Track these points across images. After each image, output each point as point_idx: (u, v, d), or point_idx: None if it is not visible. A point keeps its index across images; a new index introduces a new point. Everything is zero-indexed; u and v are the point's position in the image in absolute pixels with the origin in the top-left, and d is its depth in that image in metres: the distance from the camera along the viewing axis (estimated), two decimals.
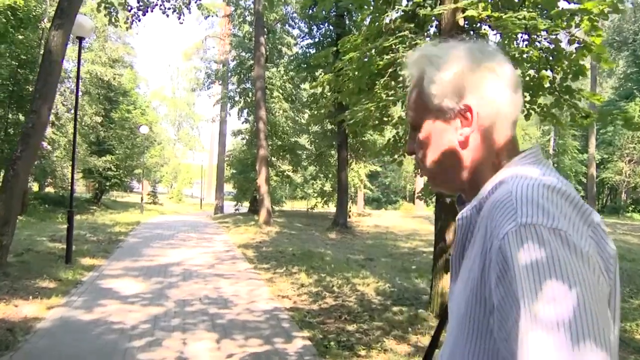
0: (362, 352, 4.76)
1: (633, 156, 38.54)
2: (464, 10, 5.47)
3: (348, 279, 8.25)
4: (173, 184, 59.31)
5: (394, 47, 5.22)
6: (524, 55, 5.38)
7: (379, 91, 5.77)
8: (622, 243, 16.70)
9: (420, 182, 39.41)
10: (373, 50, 5.75)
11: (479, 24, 5.78)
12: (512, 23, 4.66)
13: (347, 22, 17.40)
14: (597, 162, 36.50)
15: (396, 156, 6.54)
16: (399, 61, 5.58)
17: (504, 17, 4.79)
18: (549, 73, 5.29)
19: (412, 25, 5.39)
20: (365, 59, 5.67)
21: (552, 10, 4.60)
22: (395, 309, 6.49)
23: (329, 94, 18.45)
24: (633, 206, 43.46)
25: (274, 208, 21.99)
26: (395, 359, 4.58)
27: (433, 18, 5.64)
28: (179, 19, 12.57)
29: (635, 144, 37.89)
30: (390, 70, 5.41)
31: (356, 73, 5.75)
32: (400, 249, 13.96)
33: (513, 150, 0.90)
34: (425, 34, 5.66)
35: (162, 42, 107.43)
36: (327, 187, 23.79)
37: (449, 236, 6.22)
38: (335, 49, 7.58)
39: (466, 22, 5.94)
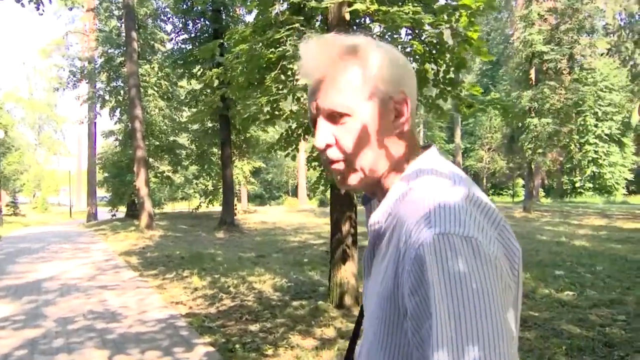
0: (269, 352, 4.65)
1: (491, 145, 42.54)
2: (349, 4, 5.55)
3: (243, 278, 8.07)
4: (36, 192, 54.03)
5: (284, 39, 5.14)
6: (408, 49, 5.59)
7: (269, 85, 5.65)
8: None
9: (300, 179, 40.17)
10: (261, 44, 5.63)
11: (364, 18, 5.91)
12: (399, 17, 4.81)
13: (225, 17, 16.99)
14: (462, 151, 39.73)
15: (290, 150, 6.48)
16: (288, 54, 5.52)
17: (390, 11, 4.93)
18: (432, 66, 5.56)
19: (301, 17, 5.34)
20: (255, 52, 5.53)
21: (433, 4, 4.82)
22: (295, 303, 6.46)
23: (210, 90, 17.89)
24: (492, 190, 48.35)
25: (155, 211, 20.92)
26: (303, 355, 4.53)
27: (319, 11, 5.65)
28: (38, 9, 11.32)
29: (493, 133, 41.94)
30: (282, 63, 5.32)
31: (246, 66, 5.58)
32: (290, 244, 13.99)
33: (416, 146, 0.91)
34: (313, 27, 5.65)
35: (13, 39, 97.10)
36: (211, 186, 23.15)
37: (345, 227, 6.32)
38: (221, 41, 7.32)
39: (351, 17, 6.05)
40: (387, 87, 0.86)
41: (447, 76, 5.51)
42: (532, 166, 25.08)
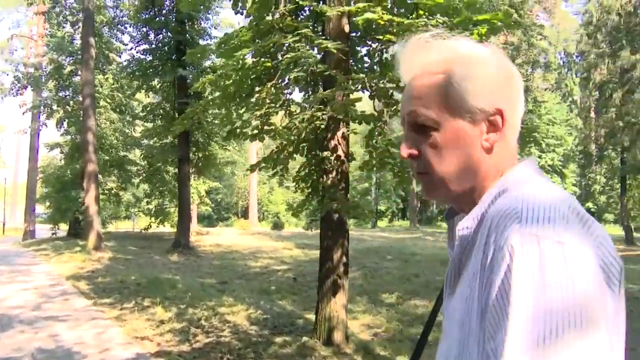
0: None
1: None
2: (354, 13, 5.13)
3: (213, 309, 7.33)
4: None
5: (292, 45, 4.63)
6: None
7: (264, 97, 5.11)
8: (447, 251, 18.23)
9: (252, 200, 39.13)
10: (255, 51, 5.10)
11: (368, 32, 5.50)
12: (417, 29, 4.40)
13: (189, 29, 16.29)
14: None
15: (278, 168, 5.91)
16: (284, 62, 5.01)
17: (405, 22, 4.54)
18: None
19: (308, 23, 4.87)
20: (251, 59, 4.99)
21: (456, 19, 4.46)
22: (278, 339, 5.83)
23: (169, 104, 17.10)
24: (441, 216, 49.22)
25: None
26: None
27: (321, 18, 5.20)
28: None
29: None
30: (286, 69, 4.80)
31: (239, 75, 5.02)
32: (252, 269, 13.27)
33: (512, 157, 0.87)
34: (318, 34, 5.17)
35: None
36: (164, 205, 21.96)
37: (337, 255, 5.80)
38: (207, 48, 6.71)
39: (356, 31, 5.65)
40: (477, 101, 0.83)
41: None
42: None
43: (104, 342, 5.79)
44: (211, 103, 5.64)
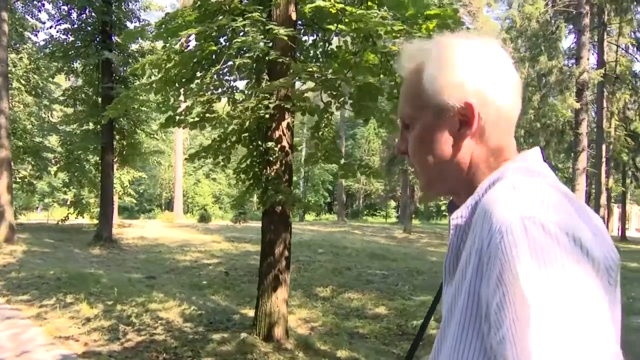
0: None
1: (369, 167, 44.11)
2: (299, 1, 5.00)
3: (144, 305, 6.95)
4: None
5: (242, 28, 4.40)
6: (363, 60, 5.16)
7: (207, 82, 4.86)
8: (375, 244, 18.63)
9: (177, 191, 37.92)
10: (200, 34, 4.83)
11: (316, 21, 5.38)
12: (370, 21, 4.34)
13: (115, 10, 15.34)
14: None
15: (220, 159, 5.65)
16: (234, 47, 4.78)
17: (357, 12, 4.46)
18: (387, 79, 5.17)
19: (259, 7, 4.66)
20: (193, 43, 4.72)
21: (407, 12, 4.44)
22: (215, 336, 5.62)
23: (92, 88, 16.15)
24: (367, 210, 50.32)
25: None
26: None
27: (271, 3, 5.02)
28: None
29: (370, 155, 43.65)
30: (232, 54, 4.56)
31: (181, 58, 4.73)
32: (181, 263, 12.80)
33: (511, 153, 0.86)
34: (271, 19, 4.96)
35: None
36: (82, 195, 20.69)
37: (279, 249, 5.66)
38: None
39: (301, 19, 5.51)
40: (443, 97, 0.83)
41: None
42: (415, 189, 26.22)
43: (22, 343, 5.31)
44: (150, 87, 5.29)
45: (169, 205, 47.46)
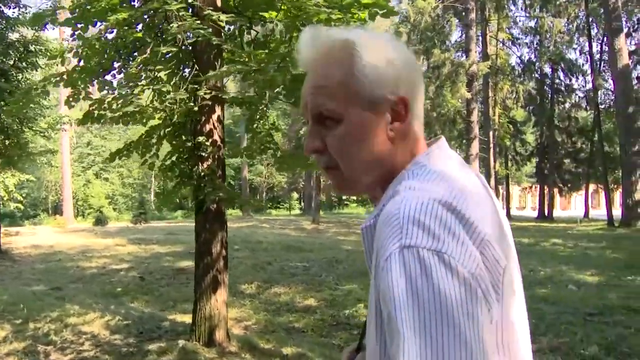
0: None
1: (270, 160, 44.12)
2: None
3: (60, 320, 6.32)
4: None
5: (175, 13, 4.06)
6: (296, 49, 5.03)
7: (134, 72, 4.47)
8: (287, 237, 18.63)
9: (66, 194, 35.07)
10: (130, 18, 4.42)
11: (242, 8, 5.14)
12: (310, 8, 4.23)
13: None
14: (249, 165, 40.54)
15: (147, 157, 5.24)
16: (169, 34, 4.43)
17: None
18: None
19: None
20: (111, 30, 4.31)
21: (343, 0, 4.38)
22: (151, 347, 5.25)
23: None
24: (271, 203, 50.28)
25: None
26: None
27: None
28: None
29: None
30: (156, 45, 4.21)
31: (102, 46, 4.30)
32: (87, 270, 11.84)
33: (423, 144, 0.87)
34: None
35: None
36: None
37: (216, 249, 5.40)
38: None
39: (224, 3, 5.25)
40: (380, 90, 0.81)
41: None
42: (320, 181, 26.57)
43: None
44: (60, 79, 4.74)
45: (57, 209, 43.89)
